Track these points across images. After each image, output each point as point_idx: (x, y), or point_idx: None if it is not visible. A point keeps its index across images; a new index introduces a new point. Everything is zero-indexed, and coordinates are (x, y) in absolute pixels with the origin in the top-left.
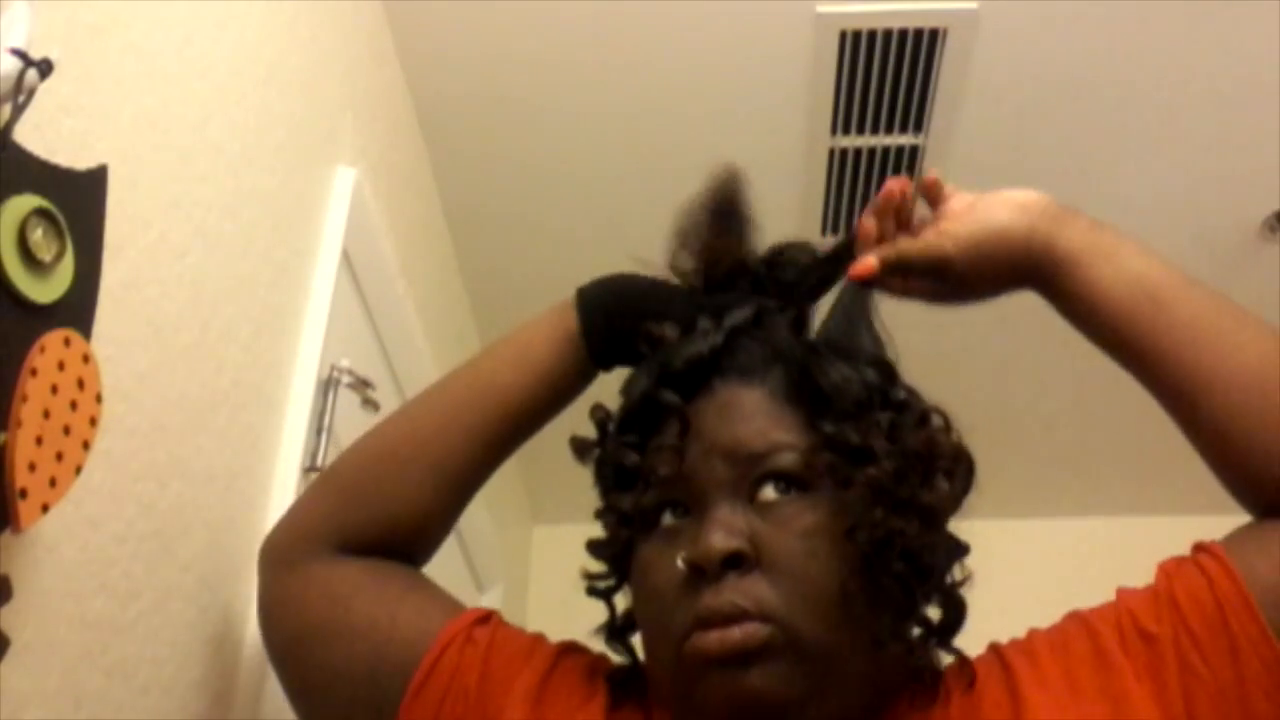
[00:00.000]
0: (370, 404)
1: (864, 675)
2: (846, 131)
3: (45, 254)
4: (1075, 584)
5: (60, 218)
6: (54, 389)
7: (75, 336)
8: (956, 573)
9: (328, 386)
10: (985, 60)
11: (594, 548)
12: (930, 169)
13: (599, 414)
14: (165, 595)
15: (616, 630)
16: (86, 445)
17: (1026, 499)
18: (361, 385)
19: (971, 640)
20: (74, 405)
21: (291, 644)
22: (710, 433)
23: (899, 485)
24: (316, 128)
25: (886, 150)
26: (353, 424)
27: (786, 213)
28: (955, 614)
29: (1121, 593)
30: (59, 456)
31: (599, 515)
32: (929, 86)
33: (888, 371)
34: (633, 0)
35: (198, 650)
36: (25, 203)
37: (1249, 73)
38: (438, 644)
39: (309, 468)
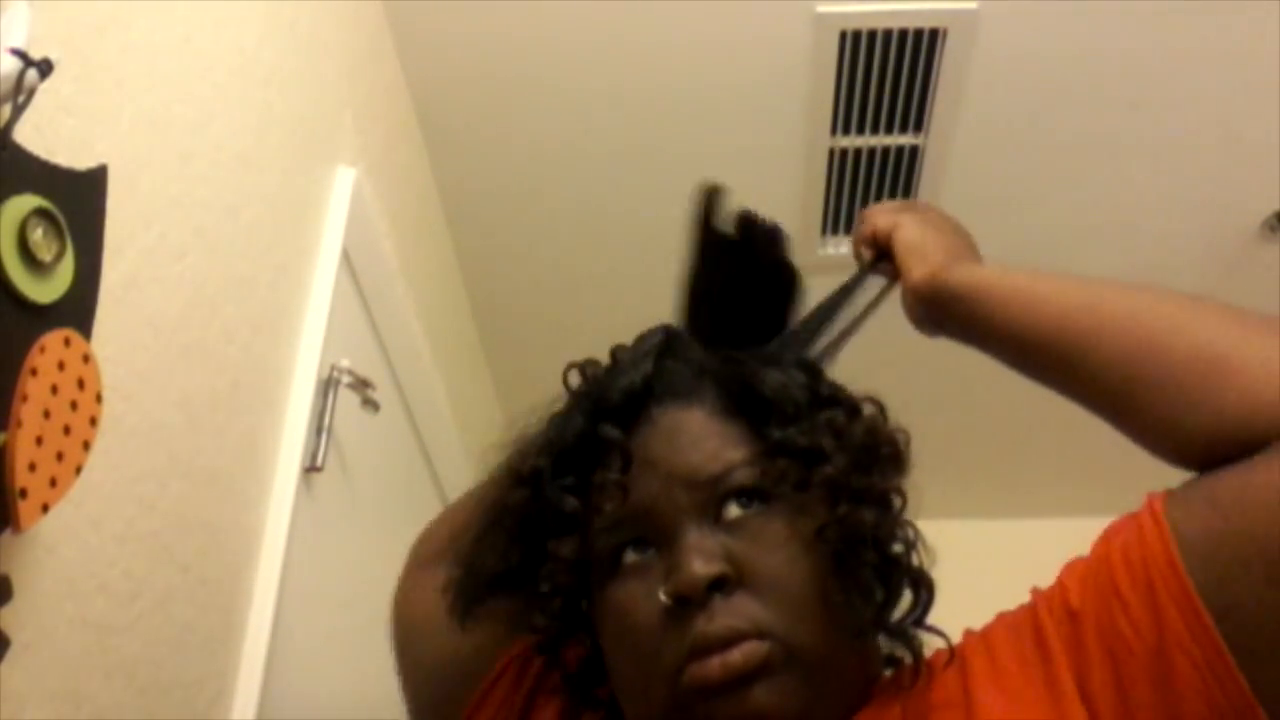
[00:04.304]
0: (370, 404)
1: (854, 670)
2: (846, 131)
3: (45, 254)
4: None
5: (60, 218)
6: (54, 389)
7: (75, 336)
8: (920, 552)
9: (328, 386)
10: (985, 60)
11: (540, 603)
12: None
13: (527, 469)
14: (165, 595)
15: (579, 683)
16: (86, 445)
17: (1026, 499)
18: (361, 385)
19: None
20: (74, 405)
21: (405, 632)
22: (663, 462)
23: (853, 478)
24: (316, 128)
25: (886, 150)
26: (353, 424)
27: (786, 213)
28: (926, 593)
29: (1068, 565)
30: (59, 456)
31: (546, 567)
32: (929, 86)
33: (812, 370)
34: (633, 2)
35: (198, 650)
36: (25, 203)
37: (1249, 73)
38: (504, 657)
39: (309, 468)
